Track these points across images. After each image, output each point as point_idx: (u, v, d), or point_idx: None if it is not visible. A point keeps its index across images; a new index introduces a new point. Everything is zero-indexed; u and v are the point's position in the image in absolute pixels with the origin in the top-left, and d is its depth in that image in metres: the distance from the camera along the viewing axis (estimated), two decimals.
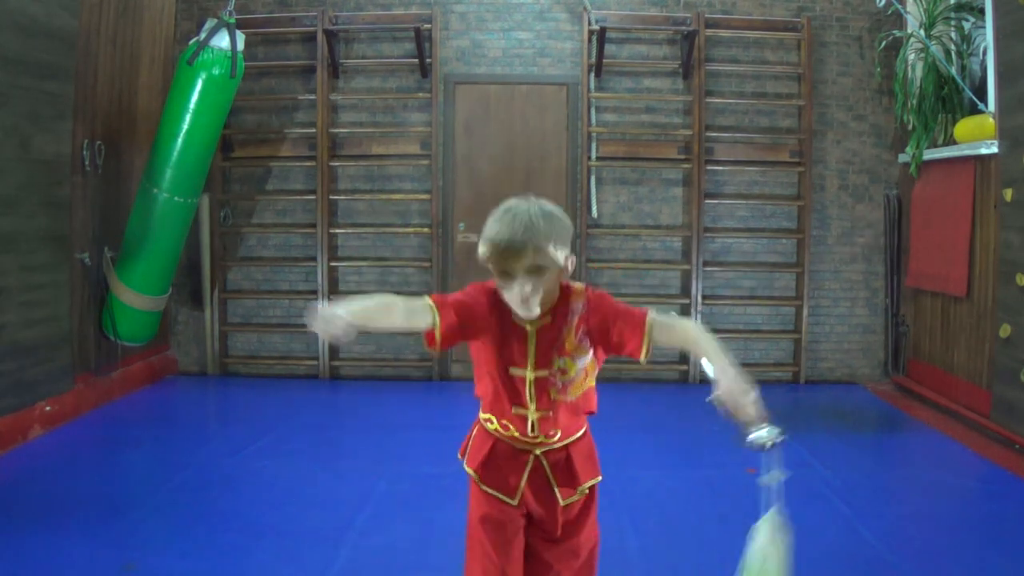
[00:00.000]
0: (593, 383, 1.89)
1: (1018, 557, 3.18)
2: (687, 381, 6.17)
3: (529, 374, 1.80)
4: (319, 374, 6.25)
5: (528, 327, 1.81)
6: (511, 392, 1.83)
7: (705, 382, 6.96)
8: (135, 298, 5.33)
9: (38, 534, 3.20)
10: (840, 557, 3.17)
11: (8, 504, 3.56)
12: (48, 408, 4.65)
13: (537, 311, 1.76)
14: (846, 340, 6.32)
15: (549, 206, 1.77)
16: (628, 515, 3.50)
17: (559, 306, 1.83)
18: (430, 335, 1.76)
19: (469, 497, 1.94)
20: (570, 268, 1.78)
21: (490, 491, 1.88)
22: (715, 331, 6.70)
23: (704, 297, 6.19)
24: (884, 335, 6.28)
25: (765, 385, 7.00)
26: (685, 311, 6.23)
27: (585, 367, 1.84)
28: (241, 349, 6.40)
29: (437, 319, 1.75)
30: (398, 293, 6.60)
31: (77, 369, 5.05)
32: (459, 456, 1.98)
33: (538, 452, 1.87)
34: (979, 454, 4.52)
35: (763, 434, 1.76)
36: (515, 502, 1.86)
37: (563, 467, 1.88)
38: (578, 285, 1.86)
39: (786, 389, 6.11)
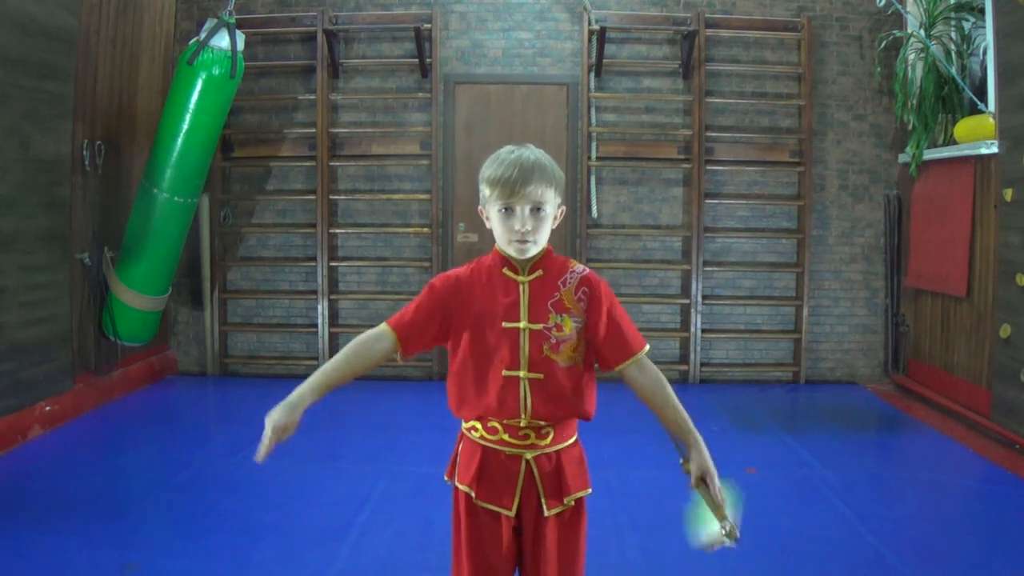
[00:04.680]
0: (580, 362, 1.83)
1: (1018, 557, 3.18)
2: (687, 381, 6.17)
3: (523, 324, 1.79)
4: None
5: (520, 279, 1.82)
6: (504, 351, 1.79)
7: (706, 382, 6.93)
8: (135, 298, 5.33)
9: (38, 534, 3.20)
10: (840, 557, 3.18)
11: (8, 504, 3.56)
12: (48, 408, 4.65)
13: (533, 250, 1.80)
14: (846, 340, 6.32)
15: (548, 156, 1.83)
16: (628, 515, 3.50)
17: (552, 264, 1.84)
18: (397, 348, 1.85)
19: (455, 509, 1.87)
20: (559, 218, 1.84)
21: (485, 505, 1.82)
22: (715, 331, 6.68)
23: (704, 297, 6.19)
24: (884, 335, 6.28)
25: (765, 385, 6.97)
26: (685, 311, 6.23)
27: (578, 331, 1.81)
28: (241, 349, 6.40)
29: (394, 334, 1.84)
30: (398, 293, 6.54)
31: (77, 369, 5.05)
32: (446, 478, 1.92)
33: (529, 456, 1.81)
34: (979, 454, 4.52)
35: (721, 535, 1.79)
36: (512, 513, 1.82)
37: (553, 476, 1.83)
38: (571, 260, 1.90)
39: (786, 389, 6.11)
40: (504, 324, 1.79)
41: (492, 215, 1.80)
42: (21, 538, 3.17)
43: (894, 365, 6.22)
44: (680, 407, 1.85)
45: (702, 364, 6.20)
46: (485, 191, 1.80)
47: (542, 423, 1.80)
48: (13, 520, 3.35)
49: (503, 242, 1.81)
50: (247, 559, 3.08)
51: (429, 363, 6.25)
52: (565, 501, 1.82)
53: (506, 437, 1.81)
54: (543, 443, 1.82)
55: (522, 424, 1.80)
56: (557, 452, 1.84)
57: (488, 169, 1.80)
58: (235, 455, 4.34)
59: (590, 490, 1.87)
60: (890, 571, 3.06)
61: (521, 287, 1.82)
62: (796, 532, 3.42)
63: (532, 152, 1.80)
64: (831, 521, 3.53)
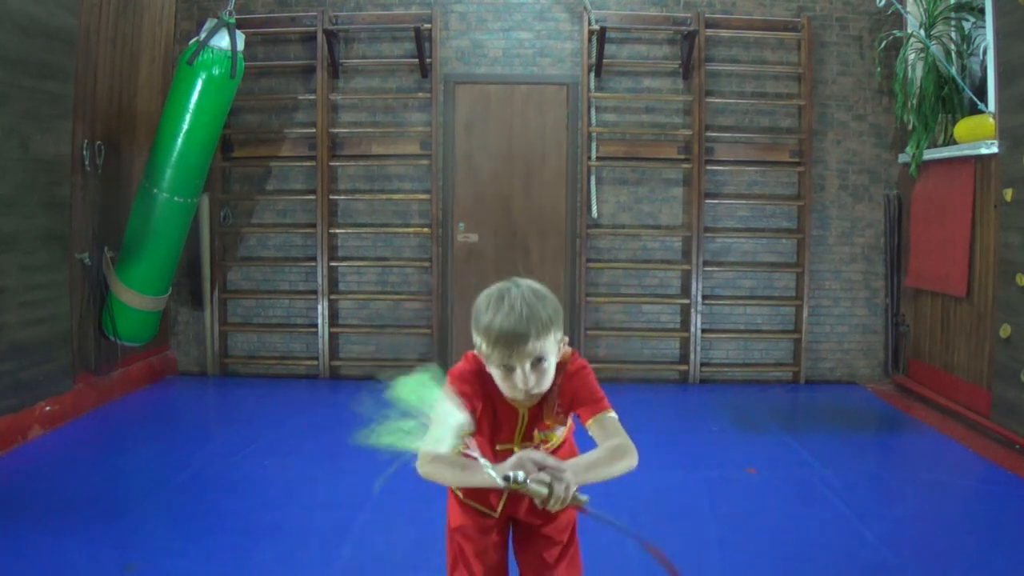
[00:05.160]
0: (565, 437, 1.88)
1: (1018, 557, 3.18)
2: (687, 381, 6.17)
3: (516, 447, 1.78)
4: (319, 374, 6.25)
5: (520, 409, 1.78)
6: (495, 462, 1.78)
7: (706, 382, 6.92)
8: (135, 298, 5.33)
9: (38, 534, 3.20)
10: (840, 557, 3.17)
11: (8, 504, 3.56)
12: (48, 408, 4.65)
13: (540, 390, 1.71)
14: (846, 340, 6.32)
15: (538, 286, 1.70)
16: (628, 515, 3.49)
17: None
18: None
19: (447, 505, 1.92)
20: (563, 346, 1.74)
21: (471, 503, 1.85)
22: (715, 331, 6.67)
23: (704, 297, 6.19)
24: (884, 335, 6.28)
25: (765, 385, 6.96)
26: (685, 311, 6.23)
27: (565, 432, 1.84)
28: (241, 349, 6.40)
29: (470, 422, 1.69)
30: (398, 294, 6.51)
31: (77, 369, 5.05)
32: None
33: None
34: (979, 454, 4.52)
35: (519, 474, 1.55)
36: (496, 514, 1.84)
37: None
38: (564, 353, 1.77)
39: (786, 389, 6.11)
40: (497, 447, 1.79)
41: (491, 368, 1.71)
42: (21, 538, 3.17)
43: (894, 365, 6.22)
44: (614, 464, 1.67)
45: (702, 364, 6.20)
46: (480, 346, 1.69)
47: None
48: (13, 520, 3.35)
49: (505, 392, 1.72)
50: (247, 559, 3.07)
51: (429, 363, 6.23)
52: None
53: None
54: None
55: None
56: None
57: (481, 320, 1.67)
58: (235, 455, 4.34)
59: None
60: (890, 571, 3.06)
61: (520, 415, 1.79)
62: (796, 532, 3.42)
63: (522, 297, 1.65)
64: (831, 521, 3.53)
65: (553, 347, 1.68)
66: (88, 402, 5.08)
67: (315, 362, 6.27)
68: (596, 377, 1.81)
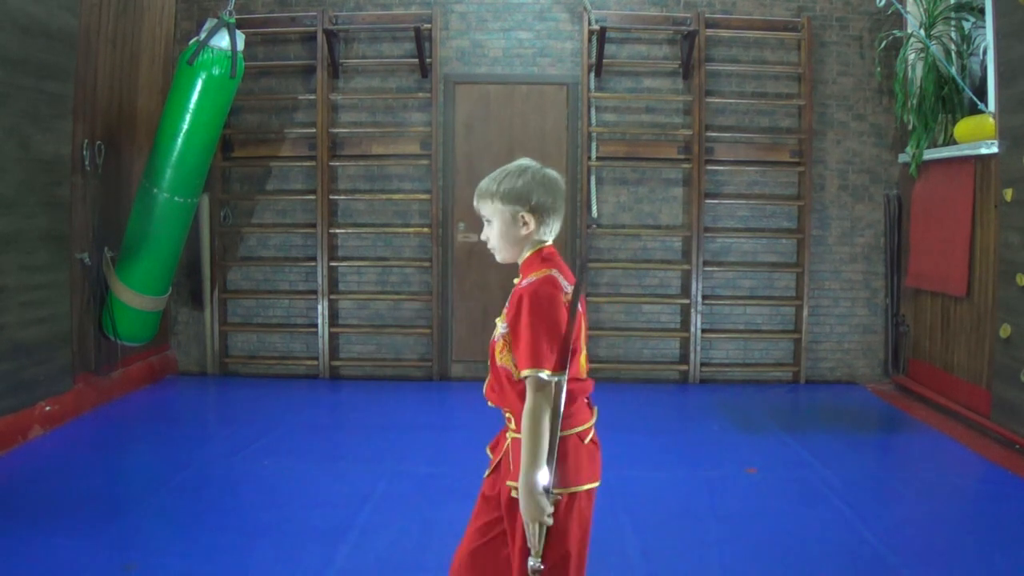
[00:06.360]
0: (512, 367, 1.86)
1: (1018, 557, 3.18)
2: (687, 381, 6.17)
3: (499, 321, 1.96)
4: (319, 374, 6.26)
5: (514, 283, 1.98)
6: None
7: (706, 382, 6.94)
8: (135, 298, 5.33)
9: (38, 534, 3.21)
10: (840, 557, 3.18)
11: (8, 504, 3.56)
12: (48, 408, 4.65)
13: (497, 257, 1.99)
14: (846, 340, 6.32)
15: (526, 164, 1.95)
16: (628, 515, 3.50)
17: (525, 273, 1.94)
18: None
19: None
20: (531, 224, 1.91)
21: (488, 453, 2.05)
22: (715, 331, 6.69)
23: (704, 297, 6.19)
24: (884, 335, 6.28)
25: (765, 385, 6.98)
26: (685, 311, 6.23)
27: (503, 337, 1.89)
28: (241, 349, 6.40)
29: None
30: (398, 293, 6.54)
31: (77, 369, 5.05)
32: None
33: (508, 438, 1.94)
34: (979, 454, 4.52)
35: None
36: (486, 473, 2.00)
37: (511, 461, 1.92)
38: (546, 269, 1.89)
39: (786, 389, 6.11)
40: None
41: None
42: (21, 538, 3.17)
43: (894, 365, 6.22)
44: (527, 445, 1.78)
45: (702, 364, 6.20)
46: None
47: (500, 407, 1.96)
48: (13, 520, 3.35)
49: None
50: (247, 559, 3.08)
51: (429, 363, 6.25)
52: (507, 484, 1.89)
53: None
54: (511, 426, 1.93)
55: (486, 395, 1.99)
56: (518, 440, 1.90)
57: None
58: (235, 455, 4.34)
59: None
60: (890, 571, 3.06)
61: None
62: (796, 532, 3.43)
63: (500, 170, 1.96)
64: (831, 521, 3.54)
65: (498, 215, 1.93)
66: (88, 402, 5.08)
67: (315, 362, 6.27)
68: (546, 321, 1.81)
